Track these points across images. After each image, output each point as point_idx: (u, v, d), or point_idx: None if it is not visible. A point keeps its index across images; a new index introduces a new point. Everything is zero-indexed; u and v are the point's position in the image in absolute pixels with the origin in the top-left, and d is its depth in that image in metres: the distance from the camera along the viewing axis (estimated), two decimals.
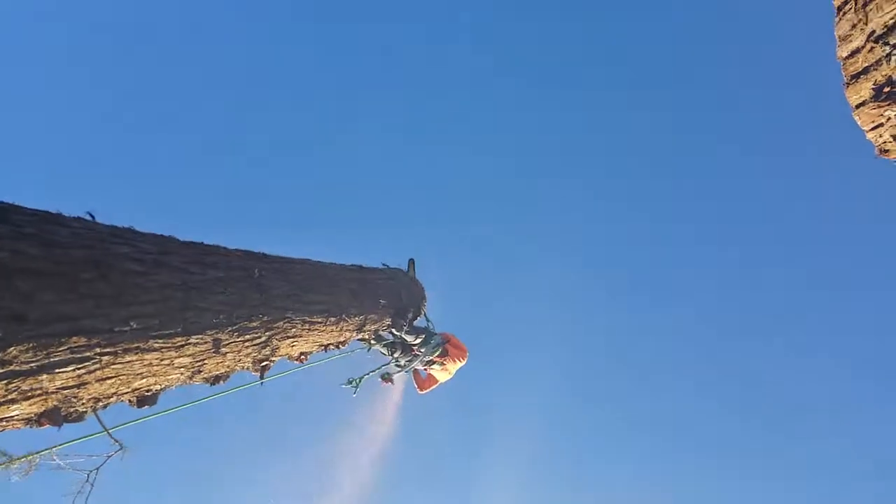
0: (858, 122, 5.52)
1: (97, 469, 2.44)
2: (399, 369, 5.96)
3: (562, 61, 27.04)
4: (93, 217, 2.56)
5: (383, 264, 5.28)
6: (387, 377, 5.84)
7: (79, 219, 2.52)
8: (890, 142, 5.40)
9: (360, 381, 5.55)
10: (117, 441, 2.50)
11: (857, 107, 5.55)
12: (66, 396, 2.35)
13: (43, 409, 2.27)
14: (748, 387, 26.55)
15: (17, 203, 2.20)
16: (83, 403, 2.47)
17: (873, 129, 5.57)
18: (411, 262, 5.43)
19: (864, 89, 5.46)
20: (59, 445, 2.36)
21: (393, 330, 5.33)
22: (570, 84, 27.24)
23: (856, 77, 5.51)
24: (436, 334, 6.03)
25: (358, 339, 4.63)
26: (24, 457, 2.26)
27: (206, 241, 3.21)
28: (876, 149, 5.48)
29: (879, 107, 5.42)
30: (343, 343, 4.19)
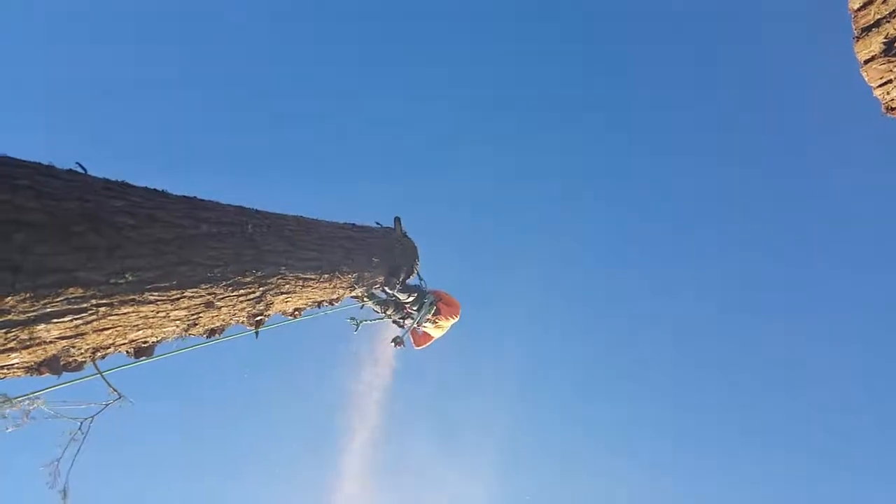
0: (866, 79, 5.40)
1: (92, 417, 2.55)
2: (402, 328, 6.12)
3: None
4: (84, 169, 2.60)
5: (376, 223, 5.33)
6: (399, 341, 6.00)
7: (71, 171, 2.55)
8: None
9: (360, 322, 5.79)
10: (116, 390, 2.60)
11: (866, 62, 5.42)
12: (65, 346, 2.45)
13: (42, 357, 2.38)
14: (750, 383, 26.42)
15: (9, 154, 2.24)
16: (82, 353, 2.57)
17: (881, 85, 5.45)
18: (397, 219, 5.50)
19: (875, 43, 5.31)
20: (56, 386, 2.46)
21: (386, 288, 5.44)
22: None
23: (867, 30, 5.36)
24: (428, 293, 6.16)
25: (351, 297, 4.72)
26: (21, 397, 2.36)
27: (198, 196, 3.26)
28: (882, 106, 5.37)
29: (889, 62, 5.28)
30: (336, 300, 4.27)
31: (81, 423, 2.51)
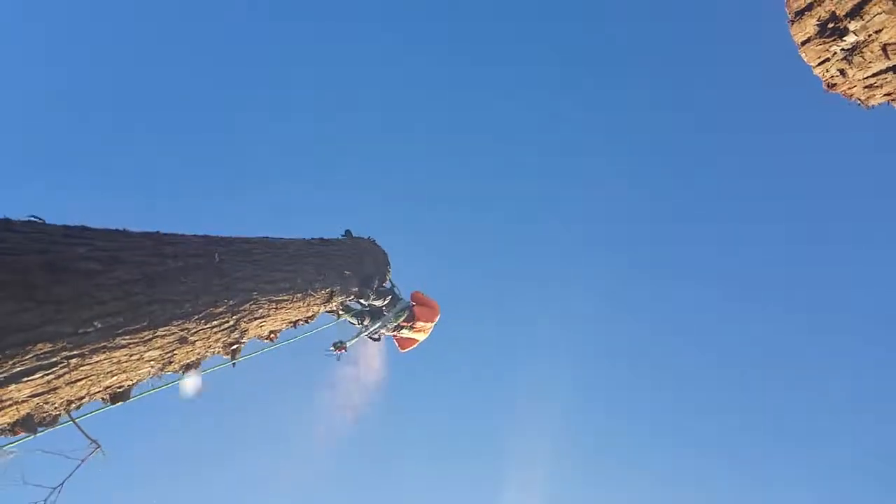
0: (805, 59, 5.62)
1: (62, 482, 2.47)
2: (374, 336, 5.95)
3: None
4: (41, 220, 2.51)
5: (345, 232, 5.28)
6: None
7: (29, 222, 2.47)
8: (837, 76, 5.54)
9: (344, 344, 5.54)
10: (94, 441, 2.54)
11: (803, 44, 5.64)
12: (38, 403, 2.38)
13: (16, 418, 2.31)
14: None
15: None
16: (56, 407, 2.50)
17: (820, 64, 5.68)
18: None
19: (809, 26, 5.53)
20: (24, 438, 2.39)
21: (361, 300, 5.41)
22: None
23: (800, 14, 5.57)
24: (401, 298, 6.14)
25: (326, 312, 4.69)
26: None
27: (160, 230, 3.18)
28: (823, 83, 5.62)
29: (825, 42, 5.50)
30: (311, 318, 4.26)
31: (54, 489, 2.44)
